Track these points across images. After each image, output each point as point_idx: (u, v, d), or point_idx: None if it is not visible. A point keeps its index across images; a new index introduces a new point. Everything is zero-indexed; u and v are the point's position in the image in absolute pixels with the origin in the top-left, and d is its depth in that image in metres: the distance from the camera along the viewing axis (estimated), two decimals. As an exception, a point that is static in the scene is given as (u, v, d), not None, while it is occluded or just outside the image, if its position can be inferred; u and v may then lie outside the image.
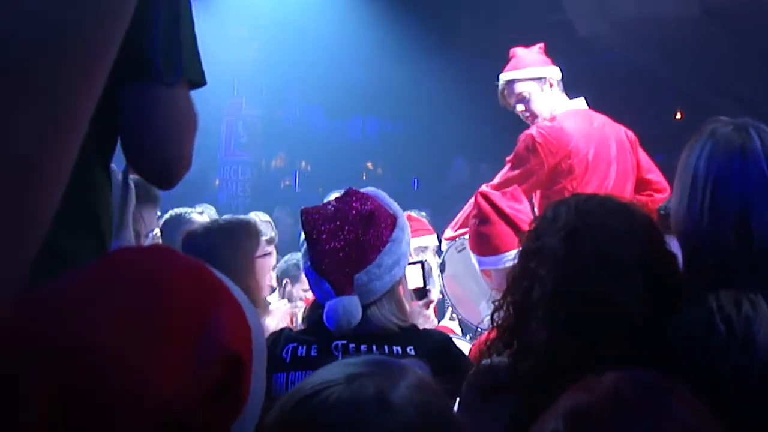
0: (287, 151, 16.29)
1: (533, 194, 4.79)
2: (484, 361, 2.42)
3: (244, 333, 1.21)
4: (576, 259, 2.16)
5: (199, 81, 2.10)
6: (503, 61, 5.25)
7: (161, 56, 1.89)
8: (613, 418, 1.52)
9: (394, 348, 2.70)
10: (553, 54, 5.19)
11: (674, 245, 2.47)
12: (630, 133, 4.93)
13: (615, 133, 4.85)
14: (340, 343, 2.70)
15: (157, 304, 1.13)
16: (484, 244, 3.83)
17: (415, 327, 2.90)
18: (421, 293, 3.43)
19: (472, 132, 13.31)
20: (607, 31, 11.49)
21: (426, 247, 4.78)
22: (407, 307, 2.95)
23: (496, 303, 2.42)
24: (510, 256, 3.63)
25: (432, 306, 3.51)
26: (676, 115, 18.19)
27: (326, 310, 2.67)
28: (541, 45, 5.00)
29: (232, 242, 3.85)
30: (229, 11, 12.28)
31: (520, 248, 2.39)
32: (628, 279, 2.11)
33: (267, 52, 13.68)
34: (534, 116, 4.88)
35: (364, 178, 17.81)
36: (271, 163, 16.05)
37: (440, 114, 13.23)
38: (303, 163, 16.83)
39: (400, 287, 2.86)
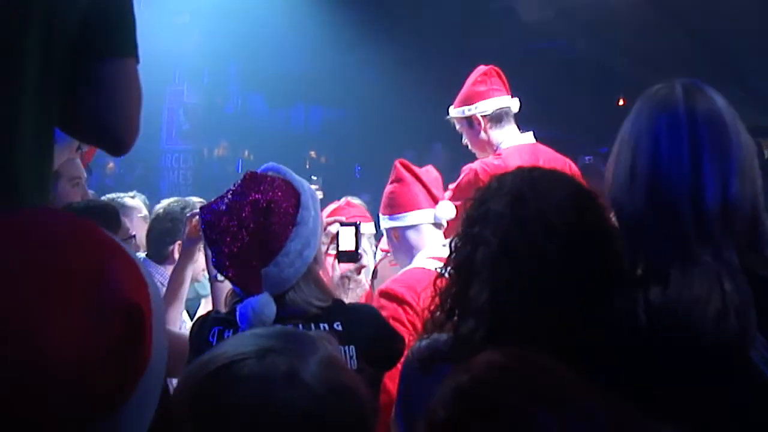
0: (230, 139, 16.20)
1: None
2: (424, 336, 2.37)
3: (141, 286, 1.19)
4: (521, 221, 2.13)
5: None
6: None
7: (117, 31, 2.05)
8: (488, 393, 1.53)
9: (321, 325, 2.65)
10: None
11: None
12: (574, 168, 4.89)
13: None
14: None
15: (51, 260, 1.11)
16: (395, 203, 3.84)
17: (340, 302, 2.84)
18: (353, 256, 3.36)
19: (414, 121, 13.33)
20: (552, 17, 11.52)
21: (362, 233, 4.79)
22: (329, 280, 2.94)
23: (438, 270, 2.39)
24: (419, 214, 3.80)
25: (363, 271, 3.43)
26: (618, 101, 18.38)
27: (237, 312, 2.62)
28: (485, 70, 4.88)
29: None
30: (171, -2, 12.22)
31: (463, 216, 2.34)
32: (571, 242, 2.09)
33: (209, 39, 13.53)
34: (477, 152, 4.84)
35: (307, 167, 17.79)
36: (213, 151, 15.94)
37: (383, 102, 13.21)
38: (246, 152, 16.76)
39: (317, 266, 2.78)
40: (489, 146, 4.74)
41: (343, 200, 4.91)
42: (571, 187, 2.25)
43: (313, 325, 2.63)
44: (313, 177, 6.54)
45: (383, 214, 3.98)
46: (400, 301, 3.42)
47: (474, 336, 2.09)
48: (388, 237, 4.02)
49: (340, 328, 2.65)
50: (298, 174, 2.82)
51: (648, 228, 2.07)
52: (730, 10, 10.83)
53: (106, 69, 2.04)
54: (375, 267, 4.45)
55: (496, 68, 4.87)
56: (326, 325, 2.65)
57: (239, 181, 2.70)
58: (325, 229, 3.37)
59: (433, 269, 3.05)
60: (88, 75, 2.01)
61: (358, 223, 3.42)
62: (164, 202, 4.99)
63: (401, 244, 3.86)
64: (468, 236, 2.24)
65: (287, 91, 15.11)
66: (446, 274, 2.32)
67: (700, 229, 2.01)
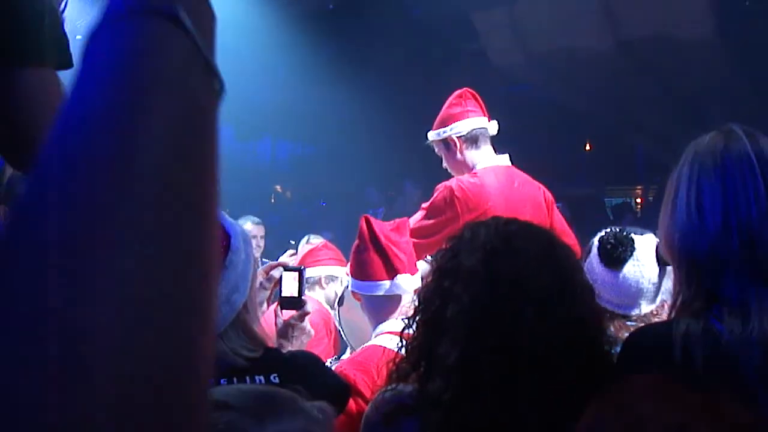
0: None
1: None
2: (388, 387, 2.27)
3: None
4: (494, 279, 2.07)
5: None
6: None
7: (48, 40, 1.86)
8: None
9: (256, 378, 2.50)
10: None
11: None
12: (548, 194, 4.86)
13: (533, 195, 4.78)
14: None
15: None
16: (357, 268, 3.74)
17: (276, 352, 2.71)
18: (296, 302, 3.23)
19: (383, 159, 13.33)
20: (522, 62, 11.58)
21: (336, 278, 4.68)
22: (261, 330, 2.69)
23: (405, 321, 2.32)
24: (377, 286, 3.64)
25: (308, 318, 3.28)
26: (585, 146, 18.49)
27: None
28: (460, 92, 4.88)
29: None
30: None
31: (434, 267, 2.29)
32: (545, 302, 2.03)
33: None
34: (455, 174, 4.82)
35: (272, 201, 17.77)
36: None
37: (352, 140, 13.22)
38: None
39: (247, 313, 2.59)
40: (465, 167, 4.71)
41: (320, 241, 4.81)
42: (547, 244, 2.21)
43: (248, 378, 2.50)
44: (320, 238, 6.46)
45: (348, 273, 3.92)
46: (353, 391, 3.30)
47: (442, 396, 2.04)
48: (353, 295, 3.95)
49: (276, 380, 2.52)
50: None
51: (726, 263, 2.06)
52: (698, 60, 10.94)
53: (20, 79, 1.83)
54: (342, 293, 4.39)
55: (471, 90, 4.86)
56: (262, 378, 2.52)
57: None
58: (267, 274, 3.31)
59: (392, 348, 2.97)
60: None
61: (302, 268, 3.28)
62: None
63: (364, 307, 3.78)
64: (438, 290, 2.18)
65: (255, 124, 15.07)
66: (413, 326, 2.26)
67: None
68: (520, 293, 2.04)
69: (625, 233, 3.50)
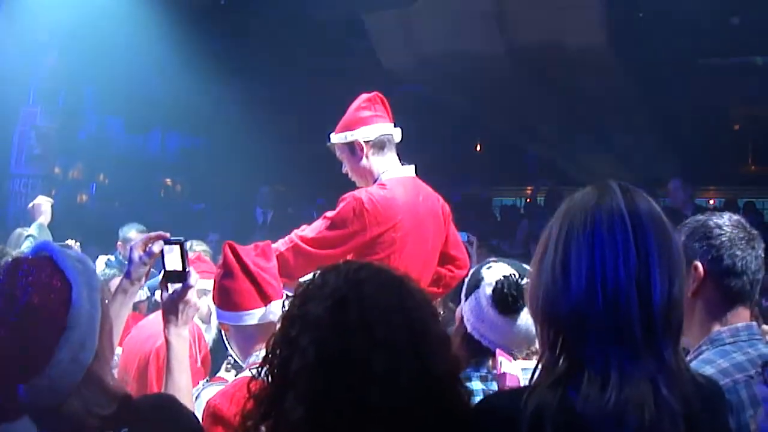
0: (85, 163, 15.81)
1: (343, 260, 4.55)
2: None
3: None
4: (341, 328, 1.99)
5: None
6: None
7: None
8: None
9: None
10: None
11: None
12: (446, 207, 4.81)
13: (433, 208, 4.71)
14: None
15: None
16: (224, 298, 3.56)
17: (129, 402, 2.47)
18: (180, 275, 3.06)
19: (273, 156, 13.25)
20: (412, 64, 11.59)
21: (209, 291, 4.47)
22: (112, 380, 2.48)
23: (253, 371, 2.20)
24: (249, 315, 3.48)
25: (193, 292, 3.14)
26: (476, 147, 18.67)
27: None
28: (370, 96, 4.76)
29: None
30: (29, 15, 11.78)
31: (283, 314, 2.19)
32: (397, 350, 1.96)
33: (67, 60, 13.17)
34: (358, 180, 4.69)
35: (162, 194, 17.54)
36: (67, 175, 15.51)
37: (241, 135, 13.10)
38: (101, 176, 16.41)
39: (99, 364, 2.39)
40: (369, 174, 4.59)
41: (192, 252, 4.65)
42: (401, 292, 2.12)
43: None
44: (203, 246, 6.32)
45: (215, 304, 3.78)
46: (226, 424, 3.17)
47: None
48: (221, 326, 3.81)
49: None
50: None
51: (589, 326, 1.98)
52: (589, 68, 11.10)
53: None
54: None
55: (380, 95, 4.73)
56: None
57: (3, 271, 2.37)
58: (145, 248, 3.14)
59: None
60: None
61: (182, 239, 3.15)
62: None
63: (232, 338, 3.63)
64: (285, 339, 2.09)
65: (145, 117, 14.85)
66: (261, 376, 2.16)
67: (646, 329, 1.97)
68: (370, 342, 1.97)
69: (518, 279, 3.45)
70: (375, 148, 4.61)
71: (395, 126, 4.68)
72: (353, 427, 1.94)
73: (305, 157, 13.01)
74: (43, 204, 6.96)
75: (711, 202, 16.14)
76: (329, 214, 4.42)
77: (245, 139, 13.20)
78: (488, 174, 17.94)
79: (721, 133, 13.30)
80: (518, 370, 2.73)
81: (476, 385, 3.40)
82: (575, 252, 2.02)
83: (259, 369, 2.15)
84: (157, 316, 4.90)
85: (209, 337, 4.72)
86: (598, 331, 1.97)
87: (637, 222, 2.02)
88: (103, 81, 13.94)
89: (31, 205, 7.05)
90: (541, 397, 1.94)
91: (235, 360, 4.46)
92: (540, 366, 2.08)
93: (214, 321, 4.48)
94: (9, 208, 13.57)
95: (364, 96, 4.71)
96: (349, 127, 4.64)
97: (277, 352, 2.09)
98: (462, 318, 3.52)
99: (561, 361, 2.01)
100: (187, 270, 3.07)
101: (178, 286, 3.04)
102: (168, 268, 3.11)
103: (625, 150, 17.07)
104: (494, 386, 3.26)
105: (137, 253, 3.14)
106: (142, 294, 6.42)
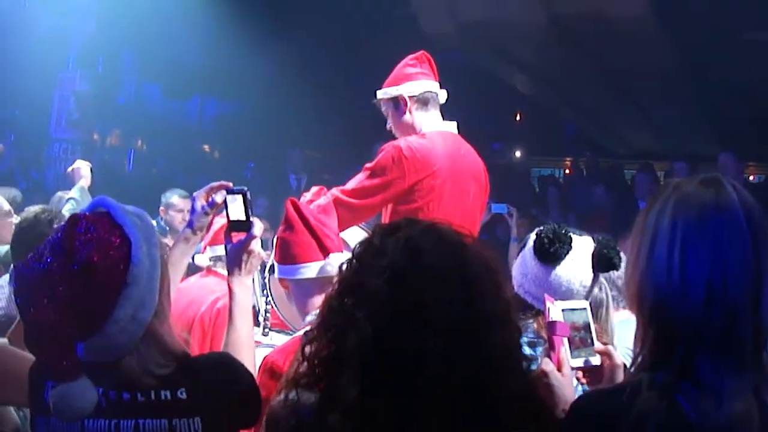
0: (122, 129, 15.86)
1: (384, 209, 4.61)
2: (290, 396, 2.13)
3: None
4: (397, 307, 1.95)
5: None
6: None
7: None
8: None
9: (162, 393, 2.34)
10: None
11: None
12: (486, 175, 4.84)
13: (476, 165, 4.73)
14: (101, 389, 2.30)
15: None
16: (284, 251, 3.58)
17: (187, 361, 2.49)
18: (244, 225, 3.03)
19: (310, 121, 13.23)
20: (452, 30, 11.50)
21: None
22: (171, 339, 2.49)
23: (310, 334, 2.15)
24: (307, 268, 3.47)
25: (257, 242, 3.12)
26: (516, 116, 18.57)
27: (50, 402, 2.25)
28: (417, 55, 4.81)
29: None
30: (68, -19, 11.89)
31: (338, 275, 2.14)
32: (452, 334, 1.92)
33: (106, 26, 13.20)
34: (400, 135, 4.72)
35: (201, 159, 17.56)
36: (105, 140, 15.56)
37: (279, 100, 13.07)
38: (139, 142, 16.47)
39: (159, 322, 2.41)
40: (412, 129, 4.64)
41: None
42: (462, 262, 2.05)
43: (152, 393, 2.34)
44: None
45: (275, 260, 3.78)
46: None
47: (341, 428, 1.96)
48: (281, 283, 3.81)
49: (184, 395, 2.36)
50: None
51: (703, 335, 1.94)
52: (630, 37, 10.97)
53: None
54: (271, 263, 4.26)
55: (427, 54, 4.81)
56: (168, 394, 2.36)
57: (61, 227, 2.34)
58: (208, 198, 3.13)
59: None
60: None
61: (245, 189, 3.11)
62: (30, 211, 4.83)
63: (292, 295, 3.59)
64: (341, 308, 2.05)
65: (184, 83, 14.85)
66: (320, 341, 2.11)
67: (754, 342, 1.94)
68: (426, 324, 1.93)
69: (564, 230, 3.46)
70: (419, 103, 4.69)
71: (445, 90, 4.76)
72: (401, 417, 1.91)
73: (342, 124, 13.03)
74: (83, 168, 6.98)
75: (751, 178, 15.88)
76: (369, 164, 4.45)
77: (283, 106, 13.18)
78: (527, 144, 17.84)
79: (762, 107, 13.12)
80: (559, 312, 2.70)
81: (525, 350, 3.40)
82: (694, 256, 1.97)
83: (316, 332, 2.11)
84: (198, 280, 4.92)
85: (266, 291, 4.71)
86: (712, 341, 1.93)
87: (755, 229, 1.98)
88: (141, 47, 13.96)
89: (70, 169, 7.07)
90: (646, 403, 1.90)
91: (269, 326, 4.46)
92: (638, 360, 2.06)
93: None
94: (49, 172, 13.67)
95: (412, 54, 4.80)
96: (394, 83, 4.73)
97: (333, 320, 2.06)
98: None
99: (664, 361, 1.98)
100: (251, 219, 3.05)
101: (242, 235, 3.04)
102: (232, 217, 3.09)
103: (664, 123, 16.91)
104: (540, 351, 3.25)
105: (200, 203, 3.14)
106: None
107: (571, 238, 3.45)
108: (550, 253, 3.39)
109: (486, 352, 1.96)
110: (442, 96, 4.78)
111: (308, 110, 13.09)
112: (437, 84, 4.78)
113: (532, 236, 3.50)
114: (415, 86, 4.69)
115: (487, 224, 8.13)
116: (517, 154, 17.83)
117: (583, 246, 3.48)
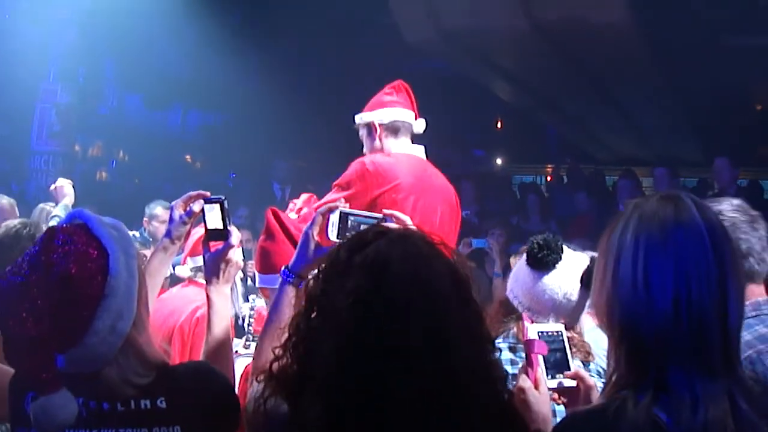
0: (105, 139, 15.82)
1: None
2: (261, 405, 2.14)
3: None
4: (362, 335, 1.94)
5: None
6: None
7: None
8: None
9: (142, 403, 2.35)
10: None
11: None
12: (457, 199, 4.89)
13: (444, 187, 4.77)
14: (81, 399, 2.30)
15: None
16: (265, 261, 3.62)
17: (165, 370, 2.48)
18: (222, 234, 3.06)
19: (293, 131, 13.24)
20: (433, 38, 11.52)
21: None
22: (153, 341, 2.52)
23: (277, 351, 2.17)
24: None
25: (234, 250, 3.12)
26: (497, 123, 18.60)
27: (31, 413, 2.24)
28: (394, 84, 4.89)
29: None
30: (49, -8, 11.86)
31: (305, 290, 2.17)
32: (419, 360, 1.91)
33: (87, 37, 13.17)
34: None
35: (181, 170, 17.55)
36: (87, 151, 15.51)
37: (262, 110, 13.07)
38: (121, 153, 16.43)
39: (137, 333, 2.41)
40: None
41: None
42: (430, 281, 2.03)
43: (132, 402, 2.35)
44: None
45: (255, 269, 3.80)
46: None
47: None
48: (261, 292, 3.82)
49: (163, 404, 2.37)
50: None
51: (673, 346, 1.97)
52: (610, 43, 11.01)
53: None
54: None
55: (405, 84, 4.92)
56: (147, 403, 2.36)
57: (38, 240, 2.35)
58: (186, 207, 3.15)
59: None
60: None
61: (222, 198, 3.14)
62: (10, 227, 4.84)
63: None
64: (308, 326, 2.08)
65: (165, 93, 14.83)
66: (283, 355, 2.14)
67: (723, 349, 1.97)
68: (390, 351, 1.92)
69: (557, 241, 3.52)
70: (389, 131, 4.79)
71: (424, 120, 4.85)
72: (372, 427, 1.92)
73: (326, 133, 13.03)
74: (66, 186, 7.00)
75: (734, 182, 15.95)
76: (336, 181, 4.52)
77: (265, 116, 13.17)
78: (508, 151, 17.88)
79: (744, 113, 13.19)
80: (535, 333, 2.73)
81: (505, 354, 3.43)
82: (657, 269, 2.01)
83: (282, 347, 2.14)
84: (179, 290, 4.93)
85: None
86: (682, 351, 1.96)
87: (716, 241, 2.01)
88: (122, 58, 13.94)
89: (53, 187, 7.08)
90: (632, 421, 1.91)
91: (253, 337, 4.46)
92: (613, 378, 2.08)
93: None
94: (30, 185, 13.62)
95: (391, 83, 4.92)
96: (369, 109, 4.84)
97: (299, 339, 2.08)
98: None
99: (640, 377, 2.00)
100: (228, 228, 3.07)
101: (220, 244, 3.04)
102: (209, 226, 3.12)
103: (646, 129, 16.98)
104: (521, 354, 3.29)
105: (178, 212, 3.16)
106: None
107: (562, 249, 3.49)
108: (539, 258, 3.48)
109: (453, 371, 1.95)
110: (419, 126, 4.86)
111: (291, 120, 13.10)
112: (412, 114, 4.86)
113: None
114: (387, 114, 4.79)
115: (475, 259, 8.17)
116: (498, 161, 17.90)
117: (575, 261, 3.54)
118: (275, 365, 2.14)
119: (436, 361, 1.94)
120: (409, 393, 1.90)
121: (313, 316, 2.07)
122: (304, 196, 4.44)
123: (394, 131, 4.77)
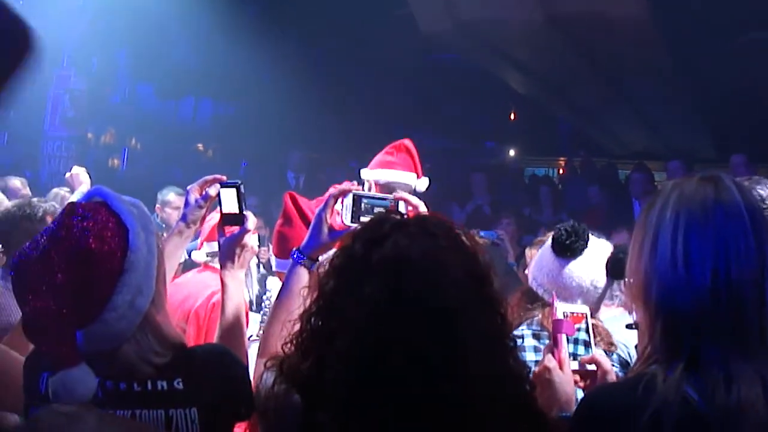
0: (117, 127, 15.83)
1: None
2: (282, 384, 2.11)
3: None
4: (381, 344, 1.92)
5: None
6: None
7: None
8: None
9: (158, 384, 2.34)
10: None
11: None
12: None
13: None
14: (98, 379, 2.28)
15: None
16: (282, 245, 3.62)
17: (183, 351, 2.47)
18: (237, 218, 3.06)
19: (306, 121, 13.22)
20: (449, 29, 11.48)
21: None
22: (168, 328, 2.48)
23: (287, 346, 2.16)
24: None
25: (250, 235, 3.10)
26: (510, 115, 18.56)
27: (50, 387, 2.24)
28: (396, 144, 4.92)
29: None
30: (63, -21, 11.85)
31: (317, 285, 2.11)
32: (440, 366, 1.89)
33: (101, 25, 13.20)
34: None
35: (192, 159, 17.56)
36: (99, 139, 15.51)
37: (274, 100, 13.06)
38: (133, 141, 16.43)
39: (155, 310, 2.40)
40: None
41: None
42: (451, 292, 1.99)
43: (149, 383, 2.34)
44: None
45: (273, 253, 3.79)
46: None
47: (333, 424, 1.93)
48: (279, 276, 3.80)
49: (180, 386, 2.37)
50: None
51: (710, 322, 1.96)
52: (627, 38, 10.96)
53: None
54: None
55: (407, 144, 4.95)
56: (164, 384, 2.35)
57: (58, 216, 2.35)
58: (202, 191, 3.15)
59: None
60: None
61: (239, 183, 3.14)
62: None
63: None
64: (321, 330, 2.05)
65: (178, 83, 14.84)
66: (294, 356, 2.11)
67: (762, 328, 1.96)
68: (408, 359, 1.90)
69: (583, 228, 3.52)
70: (384, 191, 4.75)
71: (427, 179, 4.89)
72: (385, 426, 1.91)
73: (338, 123, 13.01)
74: (81, 173, 7.01)
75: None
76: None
77: (277, 106, 13.17)
78: (521, 143, 17.85)
79: (759, 109, 13.10)
80: (561, 313, 2.73)
81: (528, 341, 3.44)
82: (697, 245, 2.00)
83: (291, 347, 2.12)
84: (195, 275, 4.93)
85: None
86: (718, 329, 1.95)
87: (756, 222, 2.01)
88: (136, 46, 13.95)
89: (68, 174, 7.09)
90: (661, 399, 1.90)
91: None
92: (646, 353, 2.07)
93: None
94: (43, 170, 13.64)
95: (394, 143, 4.99)
96: (370, 167, 4.92)
97: (312, 343, 2.06)
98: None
99: (673, 353, 1.99)
100: (244, 213, 3.06)
101: (235, 229, 3.04)
102: (225, 211, 3.11)
103: (660, 123, 16.91)
104: (545, 342, 3.29)
105: (194, 196, 3.15)
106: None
107: (588, 234, 3.51)
108: (566, 245, 3.49)
109: (470, 378, 1.93)
110: (421, 185, 4.88)
111: (304, 109, 13.08)
112: (412, 175, 4.89)
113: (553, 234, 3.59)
114: (383, 175, 4.85)
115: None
116: (511, 153, 17.87)
117: (600, 248, 3.56)
118: (286, 363, 2.12)
119: (453, 367, 1.92)
120: (425, 399, 1.89)
121: (326, 314, 2.05)
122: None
123: (390, 192, 4.80)
